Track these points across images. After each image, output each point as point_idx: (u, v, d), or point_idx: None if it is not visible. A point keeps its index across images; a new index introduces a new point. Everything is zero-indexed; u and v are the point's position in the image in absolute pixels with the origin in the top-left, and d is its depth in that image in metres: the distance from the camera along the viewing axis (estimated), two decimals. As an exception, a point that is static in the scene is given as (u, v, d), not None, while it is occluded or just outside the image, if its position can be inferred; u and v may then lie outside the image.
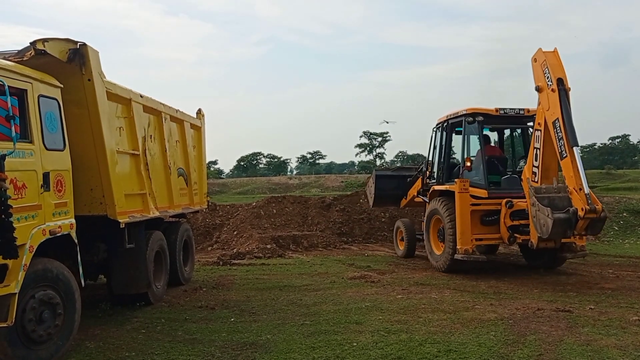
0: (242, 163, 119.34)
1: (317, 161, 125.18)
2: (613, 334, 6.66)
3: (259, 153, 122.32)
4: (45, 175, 6.03)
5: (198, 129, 12.14)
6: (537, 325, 7.14)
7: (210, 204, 15.10)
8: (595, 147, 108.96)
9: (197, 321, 7.81)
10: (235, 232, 17.75)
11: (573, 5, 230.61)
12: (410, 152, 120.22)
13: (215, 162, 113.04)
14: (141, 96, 8.84)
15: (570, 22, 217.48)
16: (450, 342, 6.43)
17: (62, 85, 6.68)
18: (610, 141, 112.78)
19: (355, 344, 6.49)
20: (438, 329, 6.99)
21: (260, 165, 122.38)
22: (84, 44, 7.01)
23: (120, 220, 7.52)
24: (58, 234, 6.18)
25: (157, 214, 8.98)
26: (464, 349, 6.22)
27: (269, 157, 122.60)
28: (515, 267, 12.56)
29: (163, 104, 9.84)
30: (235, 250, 15.38)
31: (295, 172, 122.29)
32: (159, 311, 8.46)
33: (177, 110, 10.56)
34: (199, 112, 12.46)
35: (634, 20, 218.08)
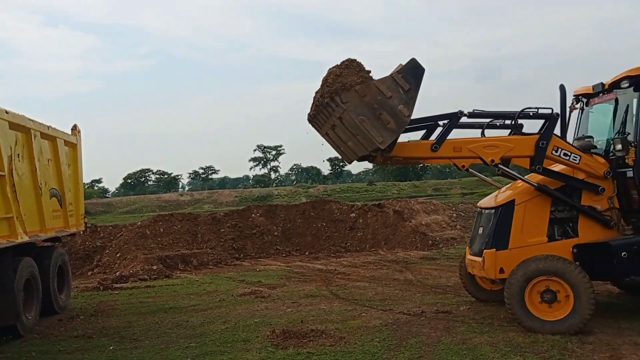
0: (129, 181, 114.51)
1: (210, 176, 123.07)
2: (486, 332, 7.09)
3: (147, 170, 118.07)
4: None
5: (73, 146, 11.48)
6: (418, 328, 7.45)
7: (89, 225, 14.26)
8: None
9: (72, 352, 7.32)
10: (118, 254, 16.88)
11: (447, 26, 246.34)
12: (304, 165, 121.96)
13: (99, 181, 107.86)
14: (6, 112, 8.22)
15: (446, 42, 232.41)
16: (337, 353, 6.52)
17: None
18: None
19: (241, 362, 6.38)
20: (325, 341, 7.05)
21: (150, 183, 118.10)
22: None
23: (-19, 248, 6.90)
24: None
25: (26, 238, 8.35)
26: (350, 358, 6.34)
27: (158, 174, 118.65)
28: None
29: (33, 120, 9.21)
30: (117, 274, 14.60)
31: (187, 188, 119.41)
32: (29, 344, 7.85)
33: (48, 127, 9.92)
34: (75, 128, 11.79)
35: (504, 40, 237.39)
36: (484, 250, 7.61)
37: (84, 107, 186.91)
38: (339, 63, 6.90)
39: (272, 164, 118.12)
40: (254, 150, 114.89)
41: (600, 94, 8.26)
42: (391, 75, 6.69)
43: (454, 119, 7.52)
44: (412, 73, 6.67)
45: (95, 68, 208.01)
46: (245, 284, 12.52)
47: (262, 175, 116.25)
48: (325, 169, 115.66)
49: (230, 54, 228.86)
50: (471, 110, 7.59)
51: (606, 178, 7.49)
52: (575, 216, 7.56)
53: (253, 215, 19.78)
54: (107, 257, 16.91)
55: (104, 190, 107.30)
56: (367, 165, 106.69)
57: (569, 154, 7.50)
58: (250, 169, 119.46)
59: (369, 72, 6.79)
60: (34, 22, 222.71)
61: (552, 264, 6.94)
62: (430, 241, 17.69)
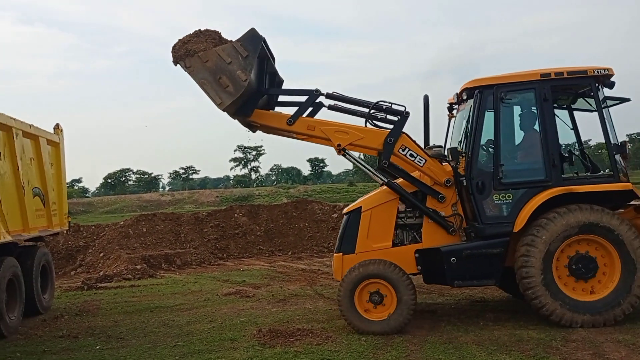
0: (109, 180, 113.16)
1: (190, 176, 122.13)
2: (471, 331, 7.18)
3: (127, 169, 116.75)
4: None
5: (56, 145, 11.35)
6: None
7: (72, 224, 14.10)
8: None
9: (57, 352, 7.25)
10: (101, 254, 16.73)
11: (424, 28, 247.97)
12: (284, 165, 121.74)
13: (79, 180, 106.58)
14: (-13, 110, 8.10)
15: (424, 43, 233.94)
16: (324, 351, 6.56)
17: None
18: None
19: (229, 361, 6.39)
20: (312, 339, 7.08)
21: (130, 182, 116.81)
22: None
23: (-37, 247, 6.79)
24: None
25: (9, 238, 8.23)
26: (337, 356, 6.38)
27: (138, 174, 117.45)
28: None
29: (14, 119, 9.08)
30: (101, 273, 14.47)
31: (167, 188, 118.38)
32: (13, 345, 7.74)
33: (30, 126, 9.79)
34: (57, 127, 11.65)
35: (483, 41, 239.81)
36: (334, 254, 7.97)
37: (61, 106, 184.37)
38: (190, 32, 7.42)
39: (253, 164, 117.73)
40: (235, 151, 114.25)
41: (461, 103, 8.47)
42: (231, 42, 7.19)
43: (311, 97, 7.82)
44: (250, 41, 7.15)
45: (72, 66, 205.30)
46: (229, 283, 12.50)
47: (242, 176, 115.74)
48: (306, 170, 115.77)
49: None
50: (330, 92, 7.89)
51: (447, 186, 7.70)
52: (421, 223, 7.79)
53: (236, 215, 19.74)
54: (91, 257, 16.75)
55: (84, 190, 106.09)
56: (347, 165, 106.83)
57: (415, 155, 7.70)
58: (231, 169, 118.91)
59: (223, 41, 7.27)
60: (8, 18, 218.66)
61: (376, 268, 7.29)
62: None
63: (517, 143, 7.99)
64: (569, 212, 7.11)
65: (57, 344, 7.66)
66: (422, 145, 8.02)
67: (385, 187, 7.92)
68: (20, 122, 9.35)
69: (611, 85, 7.65)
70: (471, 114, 7.72)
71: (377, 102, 7.84)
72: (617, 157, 7.51)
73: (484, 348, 6.42)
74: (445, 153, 7.99)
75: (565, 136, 8.12)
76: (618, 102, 8.13)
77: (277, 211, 20.07)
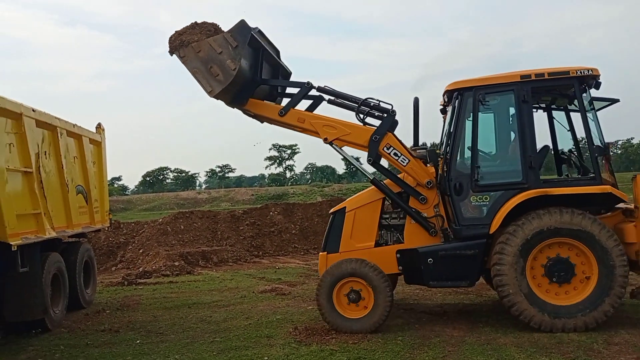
0: (148, 178, 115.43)
1: (226, 175, 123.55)
2: (510, 333, 7.05)
3: (165, 168, 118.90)
4: None
5: (98, 144, 11.64)
6: (440, 327, 7.44)
7: (113, 222, 14.46)
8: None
9: (99, 346, 7.44)
10: (141, 251, 17.11)
11: (461, 23, 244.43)
12: (319, 164, 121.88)
13: (119, 178, 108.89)
14: (33, 110, 8.36)
15: (459, 39, 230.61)
16: (360, 350, 6.56)
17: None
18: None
19: (266, 357, 6.45)
20: (348, 338, 7.08)
21: (168, 181, 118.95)
22: (-33, 55, 6.54)
23: (11, 243, 7.03)
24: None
25: (53, 234, 8.49)
26: (372, 355, 6.37)
27: (176, 172, 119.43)
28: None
29: (59, 119, 9.36)
30: (141, 269, 14.81)
31: (204, 186, 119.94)
32: (57, 338, 7.98)
33: (74, 125, 10.08)
34: (99, 126, 11.96)
35: (521, 37, 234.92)
36: (320, 253, 8.08)
37: (101, 106, 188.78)
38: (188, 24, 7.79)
39: (287, 162, 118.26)
40: (270, 149, 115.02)
41: (449, 105, 8.33)
42: (222, 34, 7.48)
43: (303, 89, 8.00)
44: (239, 32, 7.42)
45: (113, 67, 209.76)
46: (265, 281, 12.61)
47: (277, 174, 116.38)
48: (340, 168, 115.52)
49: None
50: (322, 86, 8.06)
51: (428, 187, 7.67)
52: (403, 223, 7.79)
53: (271, 213, 19.89)
54: (130, 253, 17.15)
55: (124, 188, 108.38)
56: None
57: (399, 154, 7.72)
58: (266, 167, 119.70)
59: (218, 32, 7.54)
60: (52, 21, 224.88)
61: (354, 266, 7.36)
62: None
63: (495, 145, 8.01)
64: (543, 215, 7.03)
65: (99, 338, 7.87)
66: (412, 146, 8.00)
67: (371, 188, 8.07)
68: (65, 122, 9.63)
69: (597, 85, 7.54)
70: (451, 116, 7.75)
71: (365, 99, 7.94)
72: (601, 159, 7.38)
73: (524, 350, 6.31)
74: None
75: (563, 138, 8.05)
76: (608, 102, 8.03)
77: (312, 210, 20.14)
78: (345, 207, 7.97)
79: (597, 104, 7.85)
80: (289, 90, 8.39)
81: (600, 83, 7.53)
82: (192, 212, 20.29)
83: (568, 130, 7.80)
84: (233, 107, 8.10)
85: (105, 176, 12.13)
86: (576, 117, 7.78)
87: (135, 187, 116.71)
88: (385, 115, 7.84)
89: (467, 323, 7.65)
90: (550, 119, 8.41)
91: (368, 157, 7.80)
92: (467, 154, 7.64)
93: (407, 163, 7.68)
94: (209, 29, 7.60)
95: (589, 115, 7.40)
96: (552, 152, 8.44)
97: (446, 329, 7.34)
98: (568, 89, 7.59)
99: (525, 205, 7.11)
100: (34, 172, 8.09)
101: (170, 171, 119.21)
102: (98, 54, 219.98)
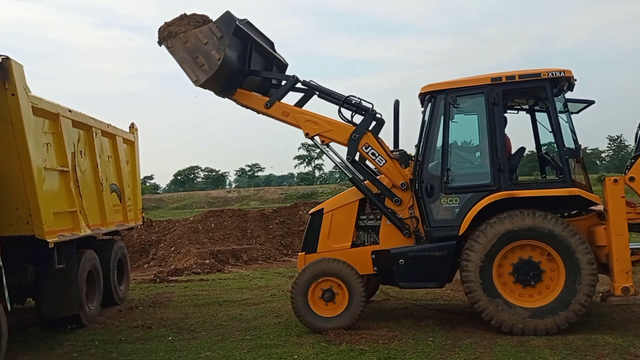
0: (179, 177, 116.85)
1: (256, 174, 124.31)
2: (544, 334, 6.92)
3: (196, 167, 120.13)
4: (-34, 195, 5.72)
5: (131, 144, 11.85)
6: (472, 328, 7.35)
7: (145, 220, 14.71)
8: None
9: (132, 342, 7.57)
10: (172, 248, 17.35)
11: (492, 19, 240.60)
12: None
13: (151, 177, 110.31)
14: (70, 110, 8.56)
15: (493, 36, 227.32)
16: (390, 350, 6.54)
17: (-17, 101, 6.38)
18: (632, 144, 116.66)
19: (296, 356, 6.48)
20: (378, 338, 7.05)
21: (198, 179, 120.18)
22: (7, 58, 6.73)
23: (48, 240, 7.19)
24: (-20, 257, 5.85)
25: (88, 232, 8.67)
26: (403, 356, 6.34)
27: (206, 171, 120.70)
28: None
29: (94, 119, 9.56)
30: (172, 267, 15.04)
31: (234, 185, 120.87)
32: (92, 333, 8.15)
33: (108, 125, 10.28)
34: (132, 126, 12.17)
35: (554, 34, 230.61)
36: (299, 253, 8.30)
37: (135, 106, 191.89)
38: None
39: (316, 162, 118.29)
40: (299, 148, 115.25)
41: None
42: (208, 25, 7.57)
43: (288, 82, 8.17)
44: (224, 23, 7.51)
45: (146, 68, 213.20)
46: (295, 280, 12.63)
47: (306, 173, 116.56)
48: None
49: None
50: (307, 80, 8.17)
51: (402, 189, 7.70)
52: (380, 225, 7.86)
53: (300, 212, 19.92)
54: (162, 251, 17.40)
55: (156, 187, 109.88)
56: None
57: (377, 155, 7.79)
58: (295, 166, 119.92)
59: (207, 23, 7.60)
60: (87, 23, 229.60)
61: (329, 266, 7.50)
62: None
63: (466, 147, 8.05)
64: (510, 217, 7.01)
65: (132, 334, 8.01)
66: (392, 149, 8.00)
67: (349, 189, 8.23)
68: (99, 122, 9.83)
69: (571, 87, 7.56)
70: (423, 119, 7.86)
71: (347, 97, 8.01)
72: (572, 161, 7.34)
73: (557, 352, 6.20)
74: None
75: (547, 140, 8.04)
76: (584, 104, 8.07)
77: (342, 209, 20.08)
78: (323, 209, 8.13)
79: (575, 106, 7.95)
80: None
81: (573, 84, 7.58)
82: (222, 210, 20.49)
83: (550, 132, 7.72)
84: (222, 97, 8.22)
85: (138, 175, 12.34)
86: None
87: (167, 186, 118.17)
88: (365, 114, 7.92)
89: (499, 324, 7.54)
90: (533, 120, 8.46)
91: (347, 155, 7.92)
92: (439, 156, 7.67)
93: (383, 164, 7.76)
94: (197, 20, 7.71)
95: (563, 117, 7.44)
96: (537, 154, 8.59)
97: (478, 330, 7.25)
98: (540, 91, 7.55)
99: (498, 208, 7.12)
100: (70, 171, 8.27)
101: (201, 170, 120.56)
102: (132, 55, 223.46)
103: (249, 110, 8.33)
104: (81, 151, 8.97)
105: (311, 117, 8.05)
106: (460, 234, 7.27)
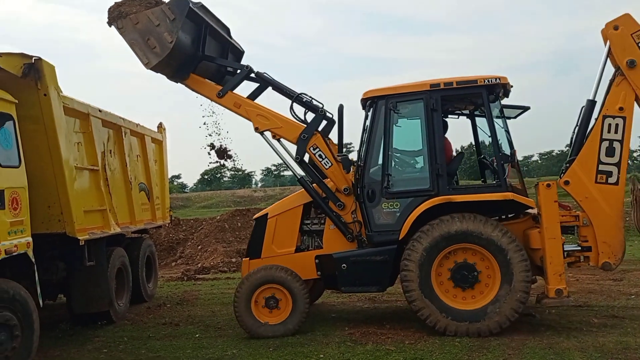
0: (206, 177, 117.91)
1: (282, 173, 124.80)
2: (574, 337, 6.82)
3: (223, 166, 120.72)
4: (0, 193, 5.86)
5: (159, 143, 12.00)
6: (500, 330, 7.24)
7: (173, 218, 14.89)
8: (553, 154, 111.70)
9: (161, 338, 7.67)
10: (199, 247, 17.51)
11: (521, 17, 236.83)
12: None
13: (178, 176, 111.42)
14: (100, 110, 8.70)
15: (520, 34, 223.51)
16: (417, 351, 6.49)
17: (16, 101, 6.53)
18: (567, 148, 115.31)
19: (322, 355, 6.47)
20: (404, 338, 7.02)
21: (225, 179, 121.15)
22: (39, 59, 6.87)
23: (79, 238, 7.33)
24: (14, 253, 5.99)
25: (118, 230, 8.80)
26: (430, 356, 6.28)
27: (233, 170, 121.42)
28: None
29: (123, 118, 9.70)
30: (199, 265, 15.18)
31: (260, 184, 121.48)
32: (121, 329, 8.28)
33: (137, 125, 10.43)
34: (160, 126, 12.31)
35: (584, 32, 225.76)
36: (243, 259, 8.27)
37: (163, 105, 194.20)
38: None
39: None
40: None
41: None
42: (160, 6, 7.43)
43: (242, 72, 8.02)
44: (177, 5, 7.35)
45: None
46: (321, 279, 12.62)
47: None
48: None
49: (297, 52, 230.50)
50: (261, 72, 8.02)
51: (345, 194, 7.67)
52: (323, 229, 7.83)
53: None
54: (189, 249, 17.57)
55: (183, 186, 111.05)
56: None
57: (324, 157, 7.72)
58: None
59: (160, 3, 7.49)
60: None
61: (272, 273, 7.48)
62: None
63: (407, 152, 8.01)
64: (446, 221, 7.08)
65: (161, 331, 8.11)
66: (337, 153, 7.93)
67: (293, 194, 8.26)
68: (128, 122, 9.98)
69: (507, 93, 7.64)
70: (364, 124, 7.88)
71: (299, 94, 7.94)
72: (507, 166, 7.41)
73: (588, 355, 6.08)
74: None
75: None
76: (520, 110, 8.14)
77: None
78: (267, 214, 8.12)
79: (512, 112, 8.02)
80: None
81: (509, 91, 7.63)
82: (248, 209, 20.60)
83: (489, 137, 7.64)
84: (175, 82, 8.08)
85: (166, 174, 12.48)
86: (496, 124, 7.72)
87: (194, 185, 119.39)
88: (315, 114, 7.86)
89: (528, 326, 7.44)
90: (474, 125, 8.48)
91: (296, 155, 7.85)
92: (380, 161, 7.64)
93: (329, 167, 7.74)
94: (149, 1, 7.55)
95: (499, 122, 7.54)
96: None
97: (506, 331, 7.13)
98: (477, 97, 7.58)
99: (438, 213, 7.14)
100: (100, 170, 8.42)
101: (228, 169, 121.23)
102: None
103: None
104: (111, 150, 9.11)
105: (263, 112, 7.92)
106: (400, 238, 7.32)
